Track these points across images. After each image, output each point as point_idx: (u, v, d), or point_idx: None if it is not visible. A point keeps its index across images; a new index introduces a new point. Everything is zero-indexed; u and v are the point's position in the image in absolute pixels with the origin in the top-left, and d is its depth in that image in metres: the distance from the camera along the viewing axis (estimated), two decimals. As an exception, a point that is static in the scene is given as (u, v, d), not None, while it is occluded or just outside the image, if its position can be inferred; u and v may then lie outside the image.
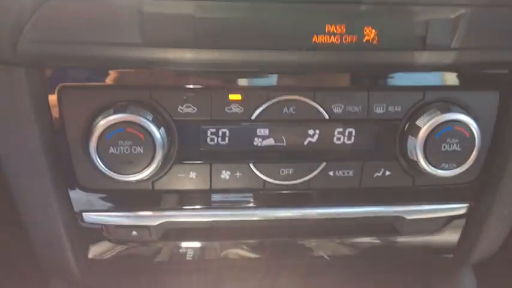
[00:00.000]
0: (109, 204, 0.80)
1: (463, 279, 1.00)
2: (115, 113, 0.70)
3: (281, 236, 0.88)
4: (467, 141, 0.76)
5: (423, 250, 0.92)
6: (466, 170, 0.78)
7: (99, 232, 0.83)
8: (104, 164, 0.71)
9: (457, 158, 0.76)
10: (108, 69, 0.71)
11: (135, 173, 0.72)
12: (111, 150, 0.70)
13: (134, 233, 0.81)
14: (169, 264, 0.89)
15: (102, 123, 0.70)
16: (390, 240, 0.90)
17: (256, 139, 0.77)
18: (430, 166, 0.76)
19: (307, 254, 0.91)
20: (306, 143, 0.78)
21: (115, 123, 0.70)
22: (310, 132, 0.78)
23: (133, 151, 0.71)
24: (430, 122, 0.75)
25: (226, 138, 0.76)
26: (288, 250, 0.91)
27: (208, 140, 0.76)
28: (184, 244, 0.86)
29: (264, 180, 0.79)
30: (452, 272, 0.99)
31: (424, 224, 0.87)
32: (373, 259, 0.94)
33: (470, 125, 0.75)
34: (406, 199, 0.84)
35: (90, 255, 0.86)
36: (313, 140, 0.78)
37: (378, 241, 0.90)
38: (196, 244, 0.87)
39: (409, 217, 0.85)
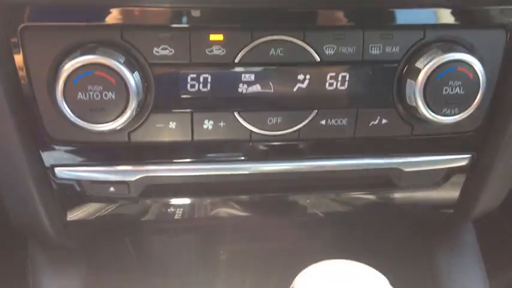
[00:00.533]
0: (83, 158, 0.74)
1: (463, 235, 0.96)
2: (82, 54, 0.63)
3: (271, 191, 0.82)
4: (471, 83, 0.70)
5: (422, 205, 0.87)
6: (469, 116, 0.72)
7: (75, 190, 0.77)
8: (72, 112, 0.65)
9: (460, 103, 0.70)
10: (74, 5, 0.64)
11: (107, 122, 0.65)
12: (80, 96, 0.64)
13: (112, 189, 0.76)
14: (152, 223, 0.84)
15: (68, 65, 0.63)
16: (387, 194, 0.85)
17: (241, 85, 0.71)
18: (431, 112, 0.70)
19: (300, 212, 0.86)
20: (295, 89, 0.72)
21: (82, 66, 0.63)
22: (300, 77, 0.71)
23: (104, 97, 0.64)
24: (430, 63, 0.68)
25: (208, 85, 0.70)
26: (279, 208, 0.86)
27: (188, 86, 0.70)
28: (167, 201, 0.81)
29: (251, 131, 0.73)
30: (452, 228, 0.95)
31: (423, 176, 0.82)
32: (369, 215, 0.90)
33: (474, 66, 0.69)
34: (404, 150, 0.79)
35: (66, 215, 0.80)
36: (303, 85, 0.72)
37: (374, 196, 0.85)
38: (180, 201, 0.81)
39: (407, 169, 0.79)
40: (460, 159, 0.81)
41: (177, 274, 1.04)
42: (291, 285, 0.57)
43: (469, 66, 0.69)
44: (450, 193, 0.86)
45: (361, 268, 0.58)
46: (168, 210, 0.82)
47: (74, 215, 0.80)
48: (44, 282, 0.86)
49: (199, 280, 1.02)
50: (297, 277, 0.58)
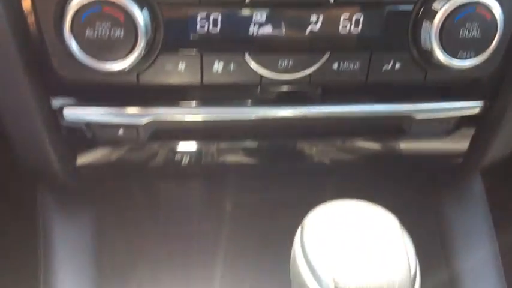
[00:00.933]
0: (91, 100, 0.73)
1: (471, 184, 0.96)
2: None
3: (280, 137, 0.82)
4: (488, 26, 0.67)
5: (431, 154, 0.87)
6: (484, 61, 0.70)
7: (83, 133, 0.76)
8: (80, 49, 0.63)
9: (476, 46, 0.68)
10: None
11: (116, 60, 0.64)
12: (88, 33, 0.62)
13: (121, 132, 0.75)
14: (161, 168, 0.84)
15: (76, 1, 0.61)
16: (396, 143, 0.84)
17: (251, 27, 0.69)
18: (446, 55, 0.68)
19: (308, 159, 0.86)
20: (307, 31, 0.70)
21: (90, 2, 0.61)
22: (313, 18, 0.69)
23: (112, 35, 0.63)
24: (448, 4, 0.66)
25: (218, 25, 0.68)
26: (287, 154, 0.86)
27: (197, 26, 0.68)
28: (175, 145, 0.80)
29: (261, 74, 0.72)
30: (460, 177, 0.95)
31: (434, 124, 0.80)
32: (378, 164, 0.89)
33: (493, 8, 0.67)
34: (416, 96, 0.78)
35: (76, 159, 0.80)
36: (316, 27, 0.70)
37: (383, 144, 0.85)
38: (188, 145, 0.81)
39: (418, 116, 0.78)
40: (472, 107, 0.80)
41: (186, 222, 1.06)
42: (301, 224, 0.57)
43: (488, 8, 0.67)
44: (460, 142, 0.85)
45: (372, 208, 0.58)
46: (176, 154, 0.82)
47: (83, 159, 0.80)
48: (53, 226, 0.87)
49: (208, 228, 1.03)
50: (307, 215, 0.58)
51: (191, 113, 0.76)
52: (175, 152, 0.82)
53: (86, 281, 0.83)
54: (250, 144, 0.83)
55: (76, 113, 0.74)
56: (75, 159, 0.80)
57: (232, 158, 0.85)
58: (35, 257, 0.86)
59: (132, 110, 0.74)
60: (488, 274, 0.89)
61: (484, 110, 0.80)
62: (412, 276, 0.53)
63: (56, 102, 0.73)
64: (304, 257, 0.55)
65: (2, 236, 1.01)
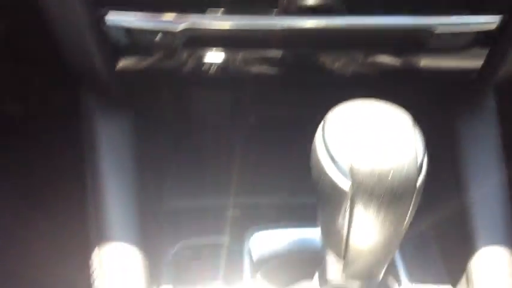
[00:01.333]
0: (132, 6, 0.79)
1: (484, 100, 1.01)
2: None
3: (304, 48, 0.87)
4: None
5: (446, 70, 0.91)
6: None
7: (123, 37, 0.83)
8: None
9: None
10: None
11: None
12: None
13: (158, 37, 0.81)
14: (191, 75, 0.90)
15: None
16: (414, 57, 0.89)
17: None
18: None
19: (329, 71, 0.92)
20: None
21: None
22: None
23: None
24: None
25: None
26: (309, 66, 0.91)
27: None
28: (206, 53, 0.86)
29: None
30: (473, 93, 0.99)
31: (451, 39, 0.85)
32: (395, 77, 0.94)
33: None
34: (436, 9, 0.81)
35: (116, 63, 0.87)
36: None
37: (401, 58, 0.89)
38: (217, 54, 0.87)
39: (438, 29, 0.82)
40: (491, 23, 0.83)
41: (213, 125, 1.15)
42: (324, 118, 0.64)
43: None
44: (475, 58, 0.89)
45: (388, 106, 0.64)
46: (206, 62, 0.88)
47: (122, 64, 0.87)
48: (96, 125, 0.95)
49: (235, 127, 1.12)
50: (329, 111, 0.64)
51: (221, 21, 0.81)
52: (205, 60, 0.88)
53: (127, 173, 0.93)
54: (275, 53, 0.89)
55: (117, 19, 0.80)
56: (115, 63, 0.87)
57: (257, 68, 0.90)
58: (82, 153, 0.96)
59: (168, 16, 0.80)
60: (492, 179, 0.96)
61: (502, 25, 0.84)
62: (418, 164, 0.60)
63: (99, 7, 0.79)
64: (325, 146, 0.62)
65: (50, 132, 1.11)
